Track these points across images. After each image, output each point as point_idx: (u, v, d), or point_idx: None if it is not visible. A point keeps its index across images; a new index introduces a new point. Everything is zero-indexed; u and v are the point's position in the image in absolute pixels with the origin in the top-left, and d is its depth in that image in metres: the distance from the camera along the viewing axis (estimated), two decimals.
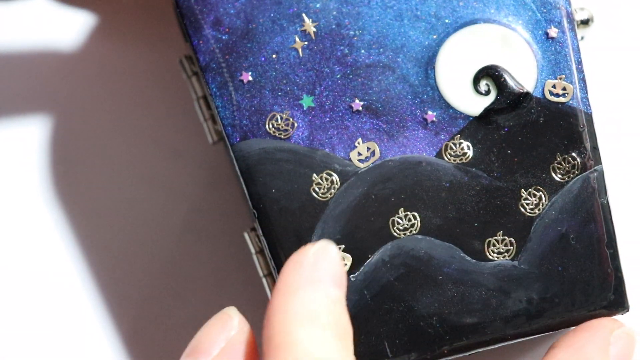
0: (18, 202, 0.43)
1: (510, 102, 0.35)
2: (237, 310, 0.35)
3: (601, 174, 0.36)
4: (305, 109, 0.35)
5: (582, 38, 0.37)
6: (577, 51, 0.36)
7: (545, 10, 0.36)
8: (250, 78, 0.35)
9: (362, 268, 0.35)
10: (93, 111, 0.43)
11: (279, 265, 0.35)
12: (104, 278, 0.42)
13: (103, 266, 0.42)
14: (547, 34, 0.36)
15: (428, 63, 0.35)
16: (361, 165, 0.35)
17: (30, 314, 0.42)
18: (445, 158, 0.35)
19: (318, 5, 0.35)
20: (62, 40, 0.43)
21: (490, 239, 0.36)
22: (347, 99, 0.35)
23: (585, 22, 0.37)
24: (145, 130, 0.42)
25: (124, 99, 0.42)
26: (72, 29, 0.43)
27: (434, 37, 0.35)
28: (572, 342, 0.35)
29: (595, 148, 0.36)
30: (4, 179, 0.43)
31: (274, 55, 0.35)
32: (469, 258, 0.35)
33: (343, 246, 0.35)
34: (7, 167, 0.43)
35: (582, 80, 0.36)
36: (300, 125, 0.35)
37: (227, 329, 0.34)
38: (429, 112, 0.35)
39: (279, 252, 0.35)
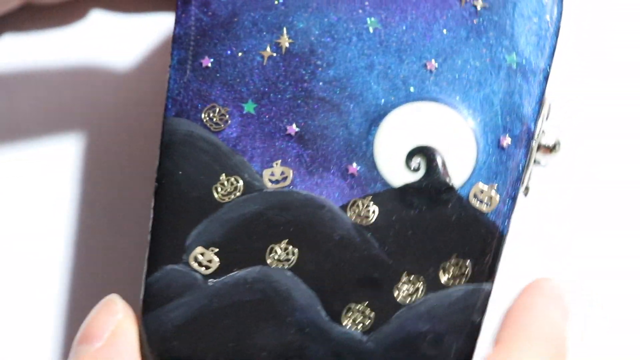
0: (54, 217, 0.45)
1: (431, 188, 0.35)
2: (119, 296, 0.37)
3: (487, 294, 0.35)
4: (244, 112, 0.36)
5: (538, 162, 0.37)
6: (521, 170, 0.35)
7: (508, 119, 0.35)
8: (209, 64, 0.36)
9: (223, 277, 0.35)
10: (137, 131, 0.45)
11: (153, 244, 0.36)
12: None
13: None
14: (499, 141, 0.35)
15: (375, 120, 0.36)
16: (269, 185, 0.36)
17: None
18: (349, 213, 0.35)
19: (301, 26, 0.36)
20: (114, 58, 0.46)
21: (352, 305, 0.35)
22: (286, 121, 0.36)
23: (550, 148, 0.36)
24: None
25: None
26: (125, 47, 0.46)
27: (392, 98, 0.36)
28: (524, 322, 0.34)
29: (493, 267, 0.35)
30: (42, 195, 0.45)
31: (240, 54, 0.36)
32: (324, 314, 0.35)
33: (217, 249, 0.36)
34: (47, 182, 0.45)
35: (512, 199, 0.35)
36: (233, 125, 0.36)
37: (114, 313, 0.36)
38: (354, 165, 0.36)
39: (158, 229, 0.36)
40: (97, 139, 0.44)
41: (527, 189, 0.37)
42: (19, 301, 0.44)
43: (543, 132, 0.36)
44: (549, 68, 0.36)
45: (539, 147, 0.36)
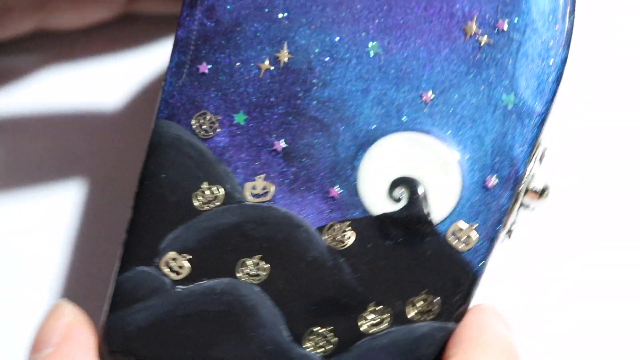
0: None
1: (410, 220, 0.35)
2: (67, 300, 0.36)
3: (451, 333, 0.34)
4: (234, 122, 0.36)
5: (526, 206, 0.36)
6: (504, 213, 0.35)
7: (498, 159, 0.35)
8: (206, 71, 0.36)
9: (191, 285, 0.35)
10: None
11: (127, 243, 0.36)
12: None
13: None
14: (485, 180, 0.35)
15: (363, 145, 0.35)
16: (249, 198, 0.35)
17: None
18: (325, 236, 0.35)
19: (303, 42, 0.36)
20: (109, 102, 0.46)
21: (315, 329, 0.35)
22: (275, 135, 0.36)
23: (538, 193, 0.36)
24: None
25: None
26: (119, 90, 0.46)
27: (384, 125, 0.35)
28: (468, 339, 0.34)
29: (462, 307, 0.34)
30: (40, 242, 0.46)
31: (238, 63, 0.36)
32: (286, 334, 0.35)
33: (190, 257, 0.35)
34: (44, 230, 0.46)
35: (491, 240, 0.34)
36: (222, 134, 0.36)
37: (62, 316, 0.36)
38: (336, 188, 0.35)
39: (134, 230, 0.36)
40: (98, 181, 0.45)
41: (510, 231, 0.36)
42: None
43: (533, 176, 0.36)
44: (547, 113, 0.35)
45: (527, 191, 0.36)
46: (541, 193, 0.36)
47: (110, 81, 0.46)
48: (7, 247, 0.45)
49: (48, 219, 0.45)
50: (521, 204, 0.36)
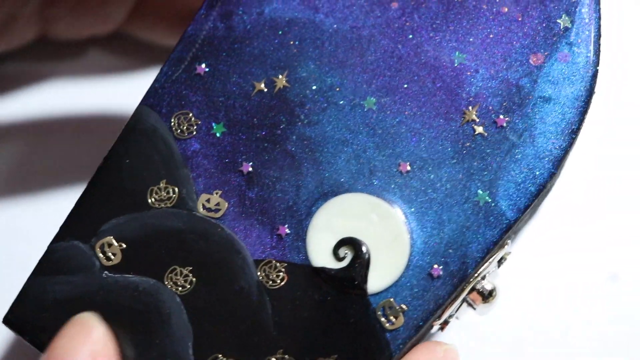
0: None
1: (346, 282, 0.35)
2: (98, 318, 0.35)
3: None
4: (211, 132, 0.36)
5: (472, 305, 0.36)
6: (438, 305, 0.34)
7: (451, 251, 0.35)
8: (202, 73, 0.37)
9: (117, 275, 0.36)
10: None
11: (72, 214, 0.36)
12: None
13: None
14: (432, 268, 0.35)
15: (326, 194, 0.35)
16: (200, 209, 0.36)
17: None
18: (259, 271, 0.35)
19: (304, 75, 0.36)
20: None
21: (220, 356, 0.35)
22: (245, 157, 0.36)
23: (483, 295, 0.36)
24: None
25: None
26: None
27: (352, 182, 0.35)
28: None
29: None
30: None
31: (234, 75, 0.36)
32: (190, 352, 0.35)
33: (125, 247, 0.36)
34: None
35: (416, 328, 0.34)
36: (195, 139, 0.36)
37: (91, 342, 0.34)
38: (286, 227, 0.35)
39: (83, 203, 0.36)
40: None
41: (446, 322, 0.36)
42: None
43: (484, 277, 0.35)
44: (516, 220, 0.35)
45: (473, 290, 0.35)
46: (487, 296, 0.36)
47: (116, 90, 0.47)
48: (13, 251, 0.46)
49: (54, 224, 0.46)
50: (465, 300, 0.36)
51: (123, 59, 0.49)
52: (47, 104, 0.47)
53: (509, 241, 0.36)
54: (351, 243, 0.35)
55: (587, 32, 0.36)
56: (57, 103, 0.47)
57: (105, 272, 0.36)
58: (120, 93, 0.48)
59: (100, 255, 0.36)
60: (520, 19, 0.36)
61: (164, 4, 0.47)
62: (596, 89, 0.36)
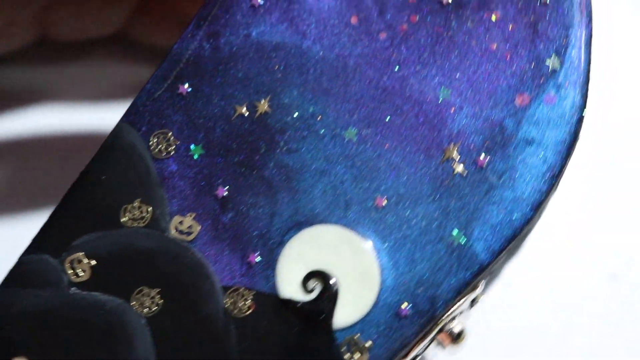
0: None
1: (312, 316, 0.34)
2: None
3: None
4: (189, 153, 0.36)
5: (441, 344, 0.36)
6: (404, 344, 0.34)
7: (421, 290, 0.34)
8: (184, 92, 0.36)
9: (84, 292, 0.35)
10: None
11: (45, 228, 0.36)
12: None
13: None
14: (400, 306, 0.34)
15: (299, 224, 0.35)
16: (172, 231, 0.36)
17: None
18: (227, 298, 0.35)
19: (287, 101, 0.36)
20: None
21: None
22: (220, 181, 0.36)
23: (452, 335, 0.35)
24: None
25: None
26: None
27: (327, 213, 0.35)
28: None
29: None
30: None
31: (216, 97, 0.36)
32: None
33: (95, 264, 0.36)
34: None
35: None
36: (173, 160, 0.36)
37: None
38: (257, 255, 0.35)
39: (56, 217, 0.36)
40: None
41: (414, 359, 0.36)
42: None
43: (454, 317, 0.35)
44: (489, 264, 0.34)
45: (442, 330, 0.35)
46: (456, 337, 0.35)
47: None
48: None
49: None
50: (433, 340, 0.35)
51: (124, 59, 0.49)
52: (45, 113, 0.47)
53: (482, 282, 0.35)
54: (321, 275, 0.35)
55: (575, 75, 0.35)
56: (53, 112, 0.47)
57: (73, 288, 0.36)
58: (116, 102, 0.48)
59: (70, 271, 0.36)
60: (508, 58, 0.35)
61: (164, 9, 0.47)
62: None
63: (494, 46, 0.36)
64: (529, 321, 0.44)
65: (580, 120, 0.35)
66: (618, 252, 0.45)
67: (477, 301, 0.36)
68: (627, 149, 0.47)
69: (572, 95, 0.35)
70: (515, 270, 0.46)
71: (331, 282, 0.34)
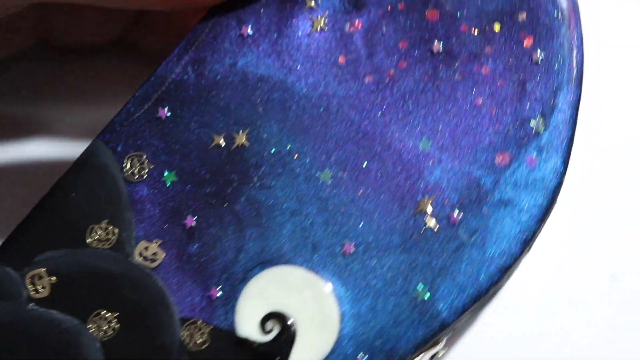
0: None
1: (263, 358, 0.34)
2: None
3: None
4: (162, 179, 0.36)
5: None
6: None
7: (379, 342, 0.34)
8: (163, 116, 0.36)
9: (42, 310, 0.35)
10: None
11: (11, 239, 0.36)
12: None
13: None
14: (356, 356, 0.34)
15: (264, 263, 0.35)
16: (136, 257, 0.35)
17: None
18: (184, 330, 0.35)
19: (265, 136, 0.36)
20: None
21: None
22: (190, 210, 0.35)
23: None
24: None
25: None
26: None
27: (293, 254, 0.35)
28: None
29: None
30: None
31: (194, 125, 0.36)
32: None
33: (56, 282, 0.35)
34: None
35: None
36: (145, 184, 0.36)
37: None
38: (218, 289, 0.35)
39: (23, 230, 0.36)
40: None
41: None
42: None
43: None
44: (452, 323, 0.34)
45: None
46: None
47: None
48: None
49: None
50: None
51: (125, 61, 0.49)
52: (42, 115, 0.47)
53: (444, 338, 0.35)
54: (280, 317, 0.34)
55: (559, 139, 0.35)
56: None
57: (32, 304, 0.35)
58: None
59: (30, 286, 0.35)
60: (493, 114, 0.35)
61: (161, 21, 0.46)
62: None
63: (480, 101, 0.35)
64: (528, 321, 0.44)
65: (559, 185, 0.35)
66: (618, 252, 0.45)
67: (439, 356, 0.36)
68: (627, 149, 0.47)
69: (553, 160, 0.35)
70: (515, 270, 0.45)
71: (289, 325, 0.34)
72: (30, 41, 0.44)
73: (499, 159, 0.35)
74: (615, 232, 0.45)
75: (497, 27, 0.36)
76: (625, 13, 0.46)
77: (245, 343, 0.34)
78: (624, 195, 0.46)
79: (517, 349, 0.44)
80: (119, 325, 0.35)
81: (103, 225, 0.36)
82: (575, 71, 0.35)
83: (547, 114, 0.35)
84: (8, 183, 0.46)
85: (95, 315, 0.35)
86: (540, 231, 0.35)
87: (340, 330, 0.34)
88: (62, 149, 0.46)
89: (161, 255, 0.35)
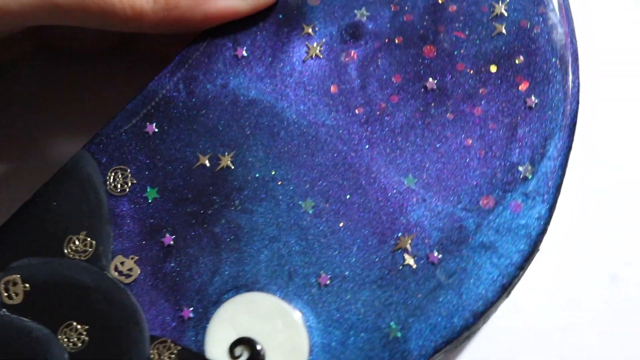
0: None
1: None
2: None
3: None
4: (144, 195, 0.36)
5: None
6: None
7: None
8: (150, 132, 0.36)
9: (14, 317, 0.35)
10: None
11: None
12: None
13: None
14: None
15: (239, 287, 0.34)
16: (112, 271, 0.35)
17: None
18: (154, 348, 0.34)
19: (250, 160, 0.35)
20: None
21: None
22: (169, 229, 0.35)
23: None
24: None
25: None
26: None
27: (267, 281, 0.34)
28: None
29: None
30: None
31: (180, 143, 0.36)
32: None
33: (29, 289, 0.35)
34: None
35: None
36: (126, 199, 0.36)
37: None
38: (191, 310, 0.35)
39: (1, 234, 0.36)
40: None
41: None
42: None
43: None
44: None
45: None
46: None
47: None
48: None
49: None
50: None
51: (124, 66, 0.49)
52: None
53: None
54: (249, 344, 0.34)
55: (546, 187, 0.34)
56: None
57: (4, 310, 0.35)
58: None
59: (3, 292, 0.35)
60: (482, 156, 0.35)
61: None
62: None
63: (469, 142, 0.35)
64: (528, 321, 0.43)
65: (542, 232, 0.34)
66: (618, 252, 0.44)
67: None
68: (627, 150, 0.46)
69: (539, 207, 0.34)
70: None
71: (259, 352, 0.34)
72: (30, 46, 0.44)
73: (483, 202, 0.34)
74: (615, 232, 0.45)
75: (493, 69, 0.35)
76: (622, 59, 0.45)
77: None
78: (624, 196, 0.45)
79: (517, 349, 0.44)
80: (88, 338, 0.35)
81: (81, 236, 0.35)
82: (568, 119, 0.35)
83: (536, 160, 0.35)
84: None
85: (66, 326, 0.35)
86: (520, 278, 0.34)
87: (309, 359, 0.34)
88: (54, 153, 0.46)
89: (137, 272, 0.35)
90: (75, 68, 0.47)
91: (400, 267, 0.34)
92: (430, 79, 0.35)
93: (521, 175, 0.35)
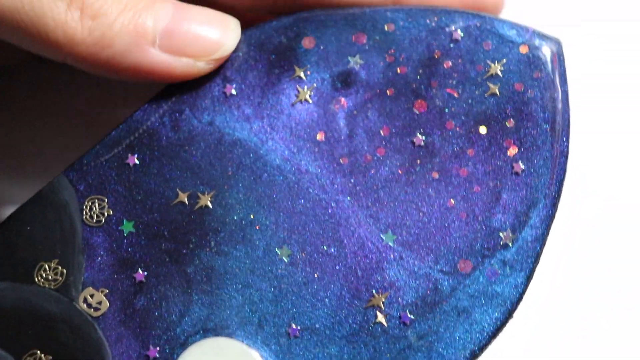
0: None
1: None
2: None
3: None
4: (119, 228, 0.35)
5: None
6: None
7: None
8: (131, 164, 0.36)
9: None
10: None
11: None
12: None
13: None
14: None
15: (207, 331, 0.34)
16: (80, 303, 0.35)
17: None
18: None
19: (230, 201, 0.35)
20: None
21: None
22: (142, 265, 0.35)
23: None
24: None
25: None
26: None
27: (235, 328, 0.34)
28: None
29: None
30: None
31: (161, 178, 0.36)
32: None
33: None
34: None
35: None
36: (102, 230, 0.35)
37: None
38: (157, 349, 0.34)
39: None
40: None
41: None
42: None
43: None
44: None
45: None
46: None
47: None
48: None
49: None
50: None
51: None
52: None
53: None
54: None
55: (525, 256, 0.34)
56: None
57: None
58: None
59: None
60: (463, 218, 0.35)
61: None
62: None
63: (452, 202, 0.35)
64: (528, 321, 0.44)
65: (517, 301, 0.34)
66: (618, 252, 0.44)
67: None
68: (627, 149, 0.46)
69: (515, 276, 0.34)
70: None
71: None
72: (21, 55, 0.44)
73: (461, 266, 0.34)
74: (616, 232, 0.45)
75: (483, 130, 0.35)
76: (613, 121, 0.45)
77: None
78: (624, 195, 0.45)
79: (517, 349, 0.44)
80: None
81: (52, 264, 0.35)
82: (554, 188, 0.35)
83: (517, 228, 0.34)
84: None
85: (30, 355, 0.35)
86: (490, 344, 0.34)
87: None
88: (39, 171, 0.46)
89: (106, 305, 0.35)
90: (66, 80, 0.47)
91: (372, 325, 0.34)
92: (419, 135, 0.35)
93: (501, 242, 0.34)
